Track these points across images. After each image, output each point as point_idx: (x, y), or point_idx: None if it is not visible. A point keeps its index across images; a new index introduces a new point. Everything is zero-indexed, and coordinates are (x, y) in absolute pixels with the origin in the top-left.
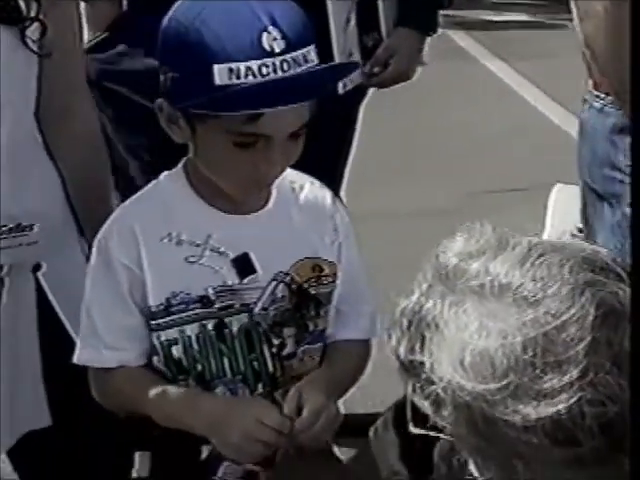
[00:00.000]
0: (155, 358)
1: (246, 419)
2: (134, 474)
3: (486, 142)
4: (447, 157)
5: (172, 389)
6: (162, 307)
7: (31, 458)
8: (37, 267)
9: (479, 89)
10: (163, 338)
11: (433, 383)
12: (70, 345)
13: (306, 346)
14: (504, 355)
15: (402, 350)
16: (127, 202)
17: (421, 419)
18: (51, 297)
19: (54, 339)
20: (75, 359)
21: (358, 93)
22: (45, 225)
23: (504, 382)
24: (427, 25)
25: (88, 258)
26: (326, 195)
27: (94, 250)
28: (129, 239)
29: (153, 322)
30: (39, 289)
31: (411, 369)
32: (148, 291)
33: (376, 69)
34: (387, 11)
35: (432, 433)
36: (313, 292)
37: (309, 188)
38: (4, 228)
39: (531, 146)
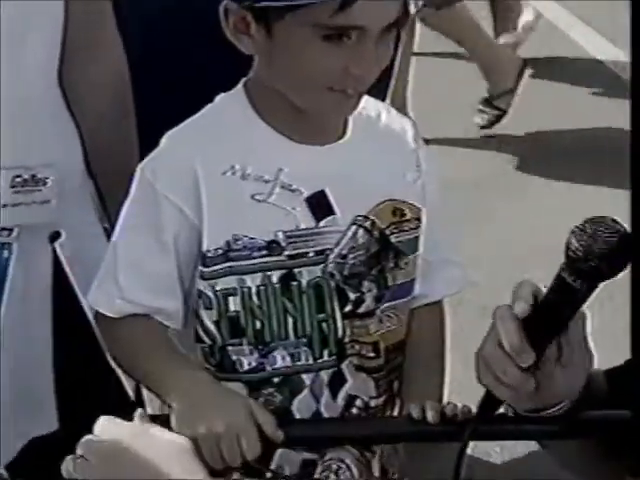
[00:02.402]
0: (205, 315)
1: (241, 415)
2: None
3: None
4: None
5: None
6: (220, 252)
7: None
8: (55, 236)
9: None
10: (219, 287)
11: None
12: (87, 331)
13: (386, 303)
14: None
15: None
16: (178, 129)
17: None
18: (68, 270)
19: (69, 320)
20: (88, 299)
21: None
22: (60, 181)
23: None
24: None
25: (107, 230)
26: (406, 125)
27: (135, 179)
28: (184, 173)
29: (207, 269)
30: (56, 262)
31: None
32: (204, 234)
33: None
34: None
35: None
36: (394, 240)
37: (387, 117)
38: (18, 179)
39: None
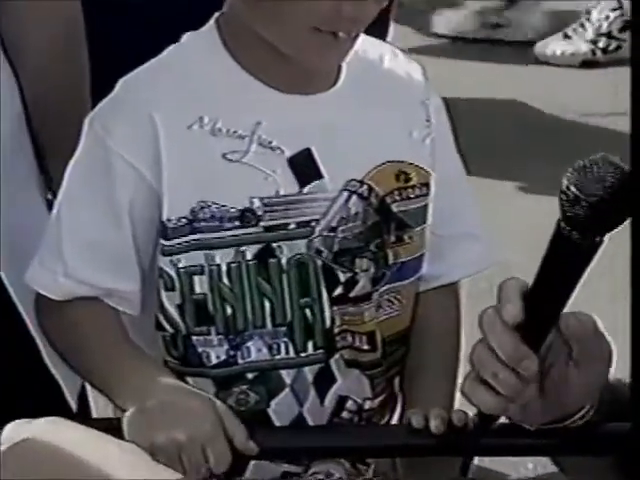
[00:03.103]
0: (167, 297)
1: (208, 421)
2: None
3: None
4: None
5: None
6: (184, 222)
7: None
8: None
9: None
10: (183, 264)
11: None
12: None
13: (386, 286)
14: None
15: None
16: (135, 73)
17: None
18: None
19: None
20: (26, 277)
21: None
22: None
23: None
24: None
25: (51, 206)
26: (415, 72)
27: (83, 134)
28: (141, 127)
29: (168, 243)
30: None
31: None
32: (165, 200)
33: None
34: None
35: None
36: (396, 210)
37: (390, 61)
38: None
39: None
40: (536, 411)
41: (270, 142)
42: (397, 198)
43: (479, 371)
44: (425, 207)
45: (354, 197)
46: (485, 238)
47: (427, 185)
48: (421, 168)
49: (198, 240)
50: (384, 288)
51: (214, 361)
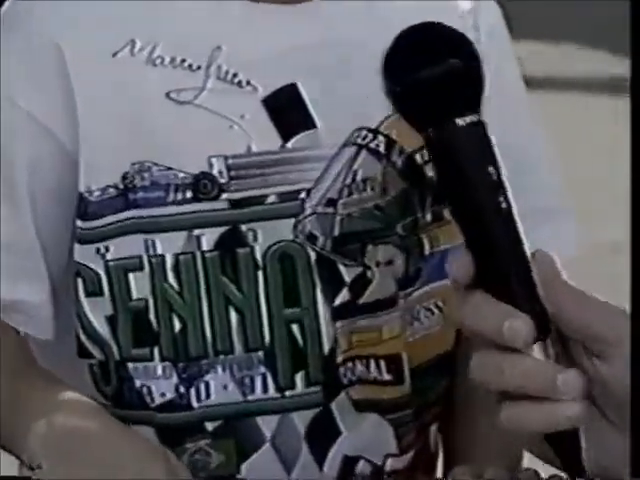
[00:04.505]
0: (90, 306)
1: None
2: None
3: None
4: None
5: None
6: (112, 193)
7: None
8: None
9: None
10: (112, 256)
11: None
12: None
13: (421, 288)
14: None
15: None
16: None
17: None
18: None
19: None
20: None
21: None
22: None
23: None
24: None
25: None
26: None
27: None
28: (41, 56)
29: (88, 225)
30: None
31: None
32: (81, 162)
33: None
34: None
35: None
36: (431, 174)
37: None
38: None
39: None
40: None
41: (235, 75)
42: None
43: (488, 384)
44: None
45: (364, 154)
46: (566, 211)
47: None
48: None
49: (132, 220)
50: (418, 292)
51: (158, 401)
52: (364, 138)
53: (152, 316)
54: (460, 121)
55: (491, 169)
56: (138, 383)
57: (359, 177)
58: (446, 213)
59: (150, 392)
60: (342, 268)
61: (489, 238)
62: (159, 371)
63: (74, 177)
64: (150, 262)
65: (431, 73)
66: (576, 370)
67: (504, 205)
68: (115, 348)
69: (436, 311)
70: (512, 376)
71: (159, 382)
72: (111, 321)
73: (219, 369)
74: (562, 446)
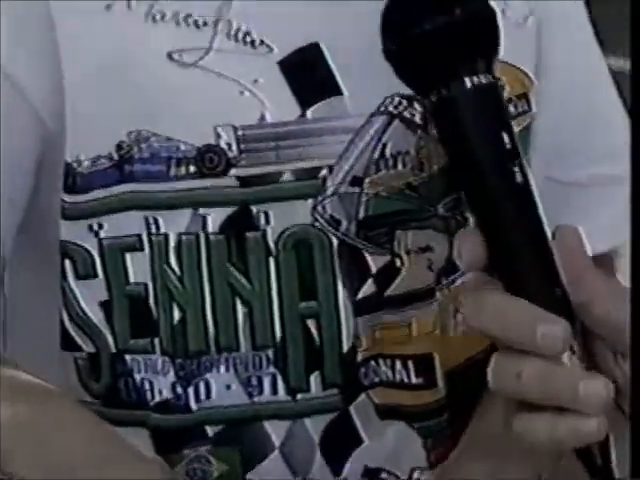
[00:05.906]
0: (81, 291)
1: None
2: None
3: None
4: None
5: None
6: (105, 164)
7: None
8: None
9: None
10: (106, 234)
11: None
12: None
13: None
14: None
15: None
16: None
17: None
18: None
19: None
20: None
21: None
22: None
23: None
24: None
25: None
26: None
27: None
28: (26, 13)
29: (76, 200)
30: None
31: None
32: (68, 130)
33: None
34: None
35: None
36: None
37: None
38: None
39: None
40: None
41: (247, 33)
42: None
43: (505, 392)
44: (527, 133)
45: (396, 124)
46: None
47: (527, 97)
48: (518, 69)
49: (129, 194)
50: (462, 279)
51: (156, 399)
52: (397, 106)
53: (152, 303)
54: (468, 81)
55: (505, 136)
56: (138, 377)
57: (389, 151)
58: None
59: (152, 387)
60: (368, 256)
61: (502, 214)
62: (159, 365)
63: (59, 146)
64: (150, 241)
65: (431, 26)
66: (604, 378)
67: (519, 177)
68: (110, 338)
69: None
70: (529, 379)
71: (157, 377)
72: (106, 307)
73: (222, 367)
74: (590, 458)
